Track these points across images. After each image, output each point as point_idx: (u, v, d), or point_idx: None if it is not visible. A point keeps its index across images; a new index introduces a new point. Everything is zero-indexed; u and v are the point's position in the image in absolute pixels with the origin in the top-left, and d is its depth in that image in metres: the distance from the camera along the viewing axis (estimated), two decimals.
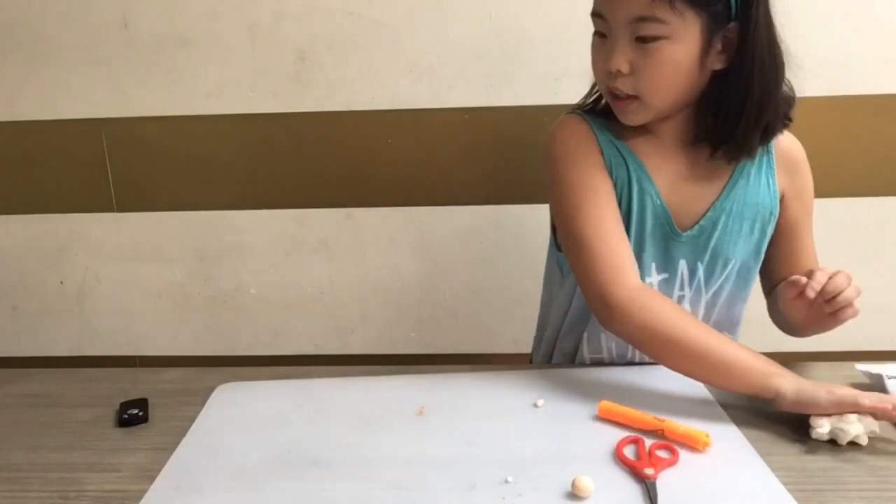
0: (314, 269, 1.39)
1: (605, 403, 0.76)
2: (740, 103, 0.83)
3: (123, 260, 1.40)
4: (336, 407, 0.82)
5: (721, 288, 0.93)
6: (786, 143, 0.92)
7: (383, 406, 0.81)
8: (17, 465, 0.74)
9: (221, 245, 1.39)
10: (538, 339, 1.06)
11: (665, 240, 0.90)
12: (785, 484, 0.64)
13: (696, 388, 0.82)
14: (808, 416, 0.73)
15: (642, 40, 0.80)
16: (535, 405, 0.80)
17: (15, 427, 0.81)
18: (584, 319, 0.95)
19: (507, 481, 0.66)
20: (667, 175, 0.89)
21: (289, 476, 0.69)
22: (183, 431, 0.78)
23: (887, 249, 1.31)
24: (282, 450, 0.73)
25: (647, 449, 0.69)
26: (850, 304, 0.78)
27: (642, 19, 0.79)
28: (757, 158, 0.90)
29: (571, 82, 1.26)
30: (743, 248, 0.91)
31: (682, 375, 0.80)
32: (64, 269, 1.42)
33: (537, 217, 1.23)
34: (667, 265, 0.91)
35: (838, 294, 0.77)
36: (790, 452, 0.71)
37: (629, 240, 0.87)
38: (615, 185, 0.88)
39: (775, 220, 0.92)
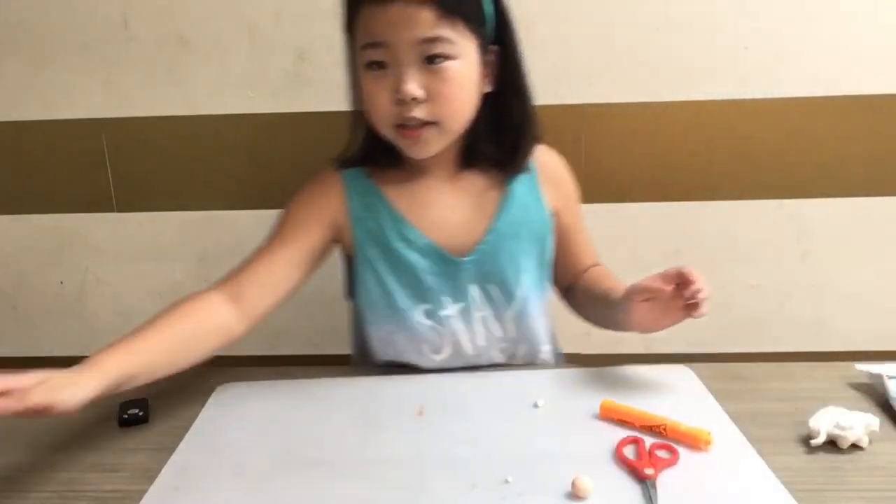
0: None
1: (607, 402, 0.77)
2: (516, 122, 0.87)
3: (123, 260, 1.40)
4: (336, 407, 0.82)
5: (525, 301, 0.92)
6: (544, 158, 0.95)
7: (383, 406, 0.81)
8: (17, 465, 0.74)
9: (221, 245, 1.39)
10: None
11: (448, 271, 0.89)
12: (785, 484, 0.65)
13: (697, 389, 0.82)
14: (808, 419, 0.73)
15: (431, 61, 0.79)
16: (535, 405, 0.80)
17: (15, 427, 0.81)
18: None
19: (507, 481, 0.66)
20: (433, 211, 0.90)
21: (289, 476, 0.69)
22: (183, 431, 0.78)
23: (887, 249, 1.31)
24: (282, 450, 0.73)
25: (647, 449, 0.69)
26: (702, 300, 0.77)
27: (429, 40, 0.78)
28: (523, 178, 0.92)
29: (571, 82, 1.26)
30: (528, 263, 0.92)
31: (680, 377, 0.80)
32: (64, 269, 1.41)
33: None
34: (459, 294, 0.90)
35: (697, 289, 0.77)
36: (790, 452, 0.71)
37: (410, 282, 0.89)
38: (370, 233, 0.89)
39: (553, 234, 0.94)
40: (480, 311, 0.91)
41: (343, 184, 0.92)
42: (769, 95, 1.24)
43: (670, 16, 1.22)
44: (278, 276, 0.89)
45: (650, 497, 0.62)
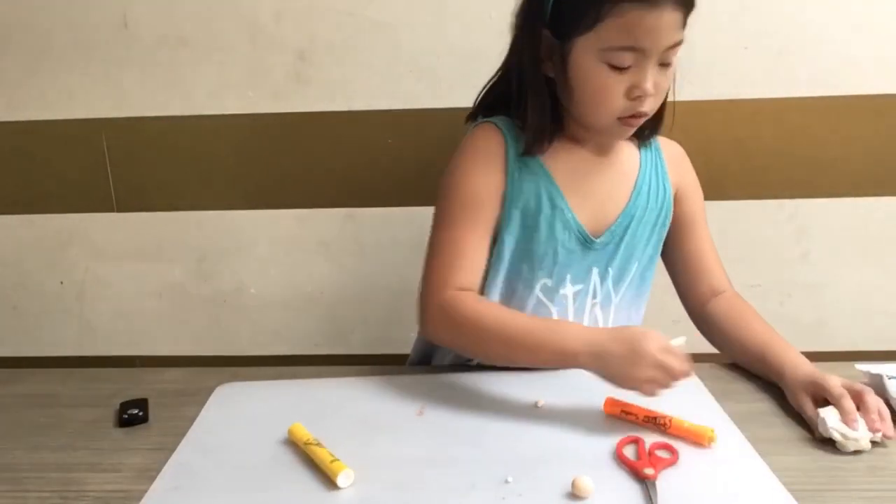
0: (314, 269, 1.39)
1: (611, 398, 0.77)
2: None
3: (123, 260, 1.40)
4: (336, 407, 0.82)
5: (626, 292, 0.94)
6: (671, 147, 0.98)
7: (383, 406, 0.81)
8: (17, 465, 0.74)
9: (221, 245, 1.39)
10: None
11: (580, 250, 0.90)
12: (785, 484, 0.65)
13: (697, 389, 0.82)
14: (807, 417, 0.73)
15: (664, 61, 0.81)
16: (536, 405, 0.80)
17: (15, 427, 0.81)
18: None
19: (507, 481, 0.66)
20: (579, 186, 0.90)
21: (289, 476, 0.69)
22: (183, 431, 0.78)
23: (888, 250, 1.31)
24: (282, 450, 0.73)
25: (647, 449, 0.69)
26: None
27: (675, 45, 0.80)
28: (651, 161, 0.94)
29: None
30: (644, 251, 0.94)
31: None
32: (64, 269, 1.41)
33: None
34: (581, 276, 0.91)
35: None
36: (790, 452, 0.71)
37: (542, 254, 0.88)
38: (522, 198, 0.87)
39: (669, 219, 0.95)
40: (594, 298, 0.92)
41: (504, 142, 0.89)
42: (769, 95, 1.24)
43: None
44: (484, 257, 0.89)
45: (650, 497, 0.62)
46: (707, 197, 1.29)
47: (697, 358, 1.02)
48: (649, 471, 0.65)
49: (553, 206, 0.88)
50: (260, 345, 1.43)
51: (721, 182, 1.29)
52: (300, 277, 1.39)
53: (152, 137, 1.33)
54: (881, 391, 0.79)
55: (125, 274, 1.41)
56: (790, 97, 1.24)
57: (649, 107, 0.83)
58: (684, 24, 0.81)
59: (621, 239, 0.91)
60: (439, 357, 0.99)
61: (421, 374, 0.91)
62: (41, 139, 1.34)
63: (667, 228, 0.96)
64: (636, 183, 0.92)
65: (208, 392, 0.86)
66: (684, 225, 0.97)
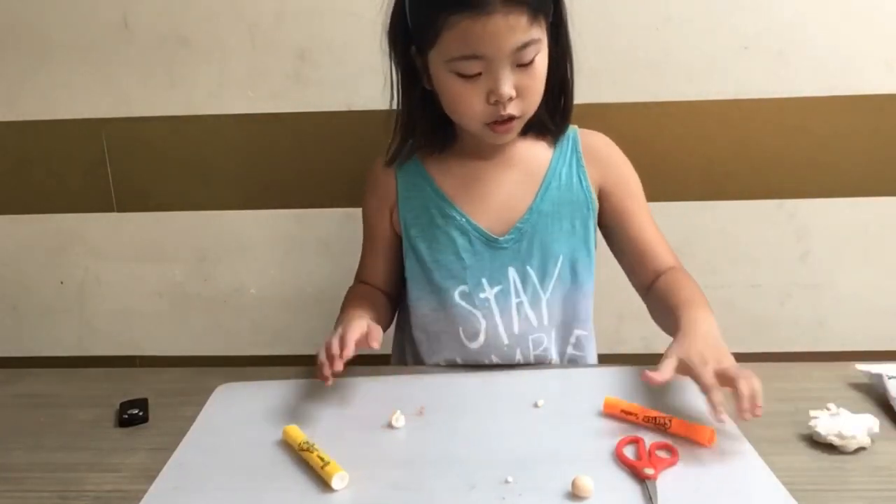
0: (314, 269, 1.38)
1: (611, 398, 0.77)
2: (564, 82, 0.90)
3: (123, 260, 1.40)
4: (336, 407, 0.82)
5: (556, 287, 0.94)
6: (591, 139, 0.97)
7: (384, 406, 0.81)
8: (17, 465, 0.74)
9: (221, 245, 1.39)
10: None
11: (487, 250, 0.92)
12: (785, 484, 0.65)
13: (696, 389, 0.82)
14: (809, 422, 0.73)
15: (522, 62, 0.81)
16: (536, 405, 0.80)
17: (15, 427, 0.81)
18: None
19: (507, 481, 0.66)
20: (474, 192, 0.93)
21: (289, 476, 0.69)
22: (183, 431, 0.78)
23: (888, 249, 1.31)
24: (281, 450, 0.73)
25: (647, 449, 0.69)
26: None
27: (524, 45, 0.80)
28: (567, 158, 0.94)
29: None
30: (567, 245, 0.93)
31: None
32: (64, 269, 1.41)
33: None
34: (497, 277, 0.93)
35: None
36: (790, 452, 0.71)
37: (448, 262, 0.93)
38: (415, 217, 0.94)
39: (595, 214, 0.95)
40: (518, 297, 0.93)
41: (394, 172, 0.96)
42: (769, 95, 1.24)
43: (670, 16, 1.22)
44: (391, 266, 1.00)
45: (650, 497, 0.62)
46: (707, 197, 1.30)
47: None
48: (649, 471, 0.65)
49: (444, 216, 0.93)
50: (260, 345, 1.43)
51: (721, 182, 1.29)
52: (300, 277, 1.39)
53: (152, 137, 1.33)
54: (881, 391, 0.79)
55: (125, 274, 1.41)
56: (790, 97, 1.24)
57: (515, 110, 0.83)
58: (538, 21, 0.80)
59: (533, 235, 0.92)
60: (429, 354, 0.99)
61: (421, 374, 0.91)
62: (41, 139, 1.34)
63: (594, 220, 0.95)
64: (544, 178, 0.93)
65: (208, 392, 0.86)
66: (618, 217, 0.96)
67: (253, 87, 1.30)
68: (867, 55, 1.22)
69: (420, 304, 0.96)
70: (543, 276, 0.93)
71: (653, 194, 1.30)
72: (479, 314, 0.93)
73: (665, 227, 1.31)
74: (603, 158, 0.96)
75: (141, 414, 0.81)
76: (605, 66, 1.24)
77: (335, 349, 0.77)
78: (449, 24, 0.78)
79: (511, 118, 0.84)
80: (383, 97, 1.29)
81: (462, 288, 0.93)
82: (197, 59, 1.28)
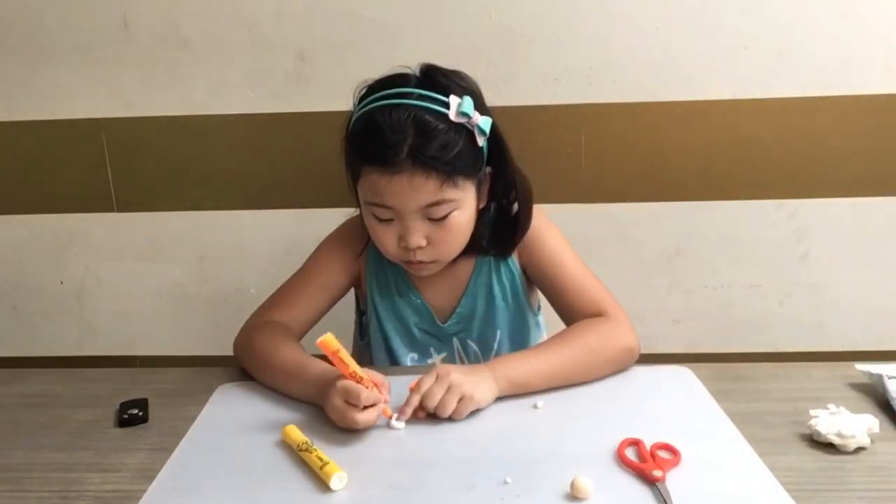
0: None
1: (329, 338, 0.73)
2: (511, 218, 0.92)
3: (123, 260, 1.40)
4: None
5: (499, 350, 1.00)
6: None
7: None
8: (17, 465, 0.74)
9: (221, 245, 1.39)
10: None
11: (435, 329, 0.99)
12: (785, 484, 0.65)
13: (697, 389, 0.82)
14: (808, 421, 0.73)
15: (434, 216, 0.84)
16: (535, 405, 0.80)
17: (15, 427, 0.81)
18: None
19: (506, 482, 0.66)
20: (428, 279, 0.96)
21: (288, 476, 0.69)
22: (183, 431, 0.78)
23: (887, 249, 1.31)
24: (281, 450, 0.73)
25: (648, 450, 0.69)
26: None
27: (434, 203, 0.82)
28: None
29: (571, 82, 1.26)
30: (504, 318, 0.99)
31: (680, 377, 0.80)
32: (64, 269, 1.41)
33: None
34: (444, 346, 1.00)
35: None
36: (790, 452, 0.71)
37: (402, 333, 0.99)
38: (379, 283, 0.98)
39: (524, 290, 0.99)
40: (462, 361, 1.00)
41: (367, 242, 0.98)
42: (769, 95, 1.24)
43: (670, 16, 1.22)
44: (311, 306, 0.97)
45: (664, 499, 0.62)
46: (707, 197, 1.30)
47: (697, 358, 1.03)
48: (658, 473, 0.65)
49: (402, 295, 0.98)
50: None
51: (721, 182, 1.29)
52: None
53: (152, 137, 1.33)
54: (881, 391, 0.79)
55: (125, 274, 1.41)
56: (790, 97, 1.24)
57: (426, 257, 0.87)
58: (452, 181, 0.82)
59: (471, 319, 0.98)
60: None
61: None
62: (41, 139, 1.34)
63: (524, 294, 1.00)
64: (474, 270, 0.97)
65: (208, 392, 0.86)
66: (549, 283, 0.96)
67: (253, 87, 1.30)
68: (867, 55, 1.22)
69: (377, 352, 1.02)
70: (484, 347, 1.00)
71: (653, 194, 1.31)
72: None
73: (665, 227, 1.32)
74: (527, 244, 0.96)
75: (141, 414, 0.81)
76: (605, 66, 1.24)
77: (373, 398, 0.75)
78: (364, 172, 0.84)
79: (422, 262, 0.87)
80: None
81: (412, 355, 1.00)
82: (197, 59, 1.29)
